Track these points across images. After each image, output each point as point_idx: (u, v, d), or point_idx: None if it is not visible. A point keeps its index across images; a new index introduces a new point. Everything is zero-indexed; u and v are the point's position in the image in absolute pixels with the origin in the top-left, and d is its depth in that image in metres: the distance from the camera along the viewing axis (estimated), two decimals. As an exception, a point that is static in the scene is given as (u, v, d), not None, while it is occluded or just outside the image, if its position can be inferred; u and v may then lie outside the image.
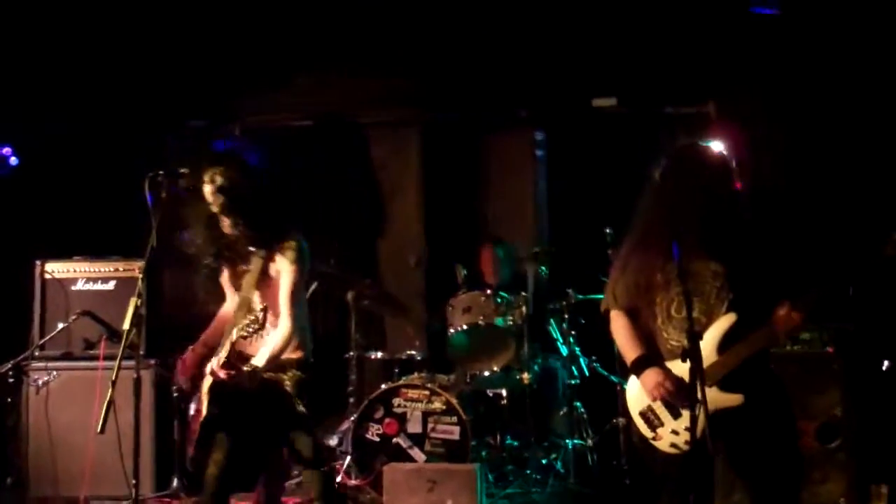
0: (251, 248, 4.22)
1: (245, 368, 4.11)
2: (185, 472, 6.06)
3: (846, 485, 5.07)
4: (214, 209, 4.20)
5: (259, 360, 4.15)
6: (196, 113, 7.38)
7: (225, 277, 4.38)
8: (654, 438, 3.67)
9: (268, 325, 4.09)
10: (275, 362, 4.19)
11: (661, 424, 3.65)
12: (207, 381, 4.21)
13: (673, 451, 3.62)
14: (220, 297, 4.45)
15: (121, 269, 6.35)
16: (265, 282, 4.22)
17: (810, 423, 5.07)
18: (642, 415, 3.69)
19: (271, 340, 4.20)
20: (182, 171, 4.17)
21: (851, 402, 5.18)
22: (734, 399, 3.53)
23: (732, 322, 3.55)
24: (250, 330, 3.98)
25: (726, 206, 3.61)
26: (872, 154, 6.42)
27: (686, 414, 3.52)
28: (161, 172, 4.09)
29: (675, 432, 3.61)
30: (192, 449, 4.21)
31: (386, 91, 7.55)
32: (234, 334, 4.05)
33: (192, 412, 4.31)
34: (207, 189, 4.15)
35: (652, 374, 3.61)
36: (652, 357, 3.66)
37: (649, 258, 3.66)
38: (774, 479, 3.57)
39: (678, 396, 3.55)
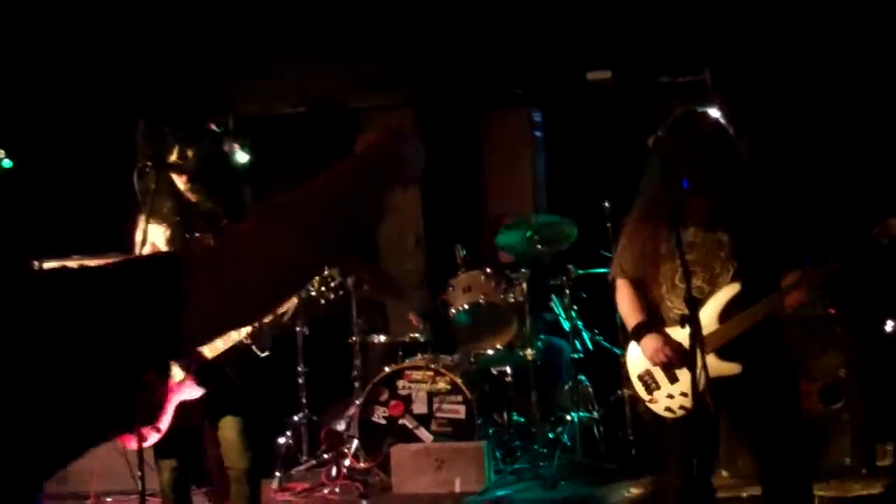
0: (212, 220, 4.06)
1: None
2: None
3: (851, 445, 5.07)
4: (181, 185, 4.10)
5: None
6: (188, 104, 7.37)
7: (164, 239, 4.13)
8: (650, 401, 3.73)
9: None
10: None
11: (658, 388, 3.71)
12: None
13: (668, 414, 3.69)
14: None
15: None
16: None
17: (813, 384, 5.07)
18: (640, 378, 3.76)
19: None
20: (172, 160, 4.14)
21: (854, 363, 5.18)
22: (732, 368, 3.56)
23: (736, 292, 3.57)
24: None
25: (728, 175, 3.62)
26: (871, 124, 6.38)
27: (682, 379, 3.60)
28: (149, 163, 4.07)
29: (670, 396, 3.68)
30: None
31: (378, 75, 7.53)
32: None
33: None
34: (176, 165, 4.04)
35: (651, 340, 3.67)
36: (652, 323, 3.71)
37: (655, 228, 3.69)
38: (778, 444, 3.58)
39: (676, 361, 3.60)
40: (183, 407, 4.03)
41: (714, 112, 3.75)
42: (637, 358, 3.76)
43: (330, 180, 1.40)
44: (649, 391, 3.72)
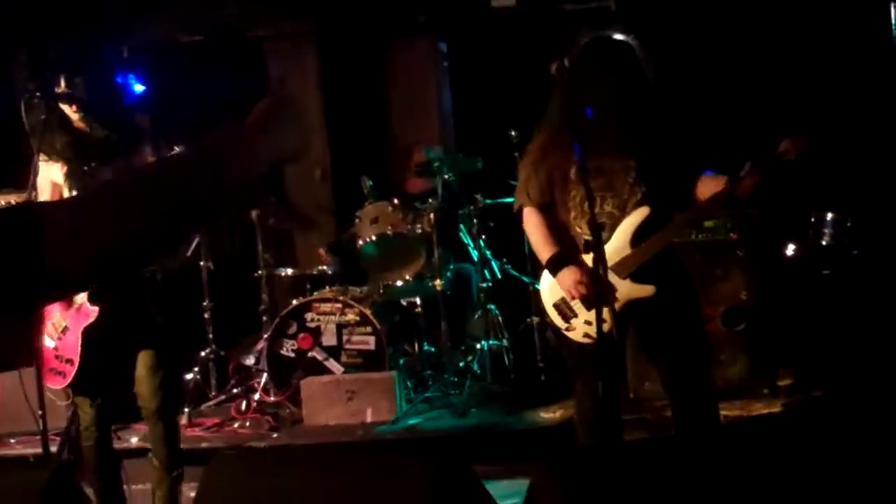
0: (106, 149, 3.91)
1: None
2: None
3: (753, 365, 5.23)
4: (72, 115, 3.91)
5: None
6: (79, 29, 7.05)
7: (62, 175, 3.95)
8: (567, 329, 3.72)
9: None
10: None
11: (575, 315, 3.70)
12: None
13: (586, 340, 3.68)
14: None
15: (13, 201, 6.09)
16: None
17: (717, 307, 5.19)
18: (556, 307, 3.74)
19: None
20: (60, 90, 3.94)
21: (756, 286, 5.31)
22: (646, 290, 3.61)
23: (646, 215, 3.59)
24: None
25: (636, 100, 3.61)
26: (772, 51, 6.46)
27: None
28: (38, 94, 3.86)
29: (588, 322, 3.64)
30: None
31: (279, 2, 7.32)
32: None
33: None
34: (65, 94, 3.84)
35: (569, 273, 3.63)
36: (567, 254, 3.68)
37: (563, 154, 3.64)
38: (685, 363, 3.66)
39: (593, 291, 3.58)
40: (96, 337, 3.91)
41: (620, 37, 3.73)
42: (551, 287, 3.74)
43: (182, 160, 1.49)
44: (566, 319, 3.71)
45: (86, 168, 3.90)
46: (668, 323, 3.66)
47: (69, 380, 3.94)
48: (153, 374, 4.00)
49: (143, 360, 4.00)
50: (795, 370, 5.36)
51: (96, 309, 3.89)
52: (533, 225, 3.79)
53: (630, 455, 3.01)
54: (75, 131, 3.94)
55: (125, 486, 4.19)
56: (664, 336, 3.69)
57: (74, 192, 3.92)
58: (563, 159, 3.67)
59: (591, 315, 3.60)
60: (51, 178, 3.93)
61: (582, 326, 3.69)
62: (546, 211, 3.75)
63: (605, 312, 3.29)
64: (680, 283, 3.74)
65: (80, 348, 3.90)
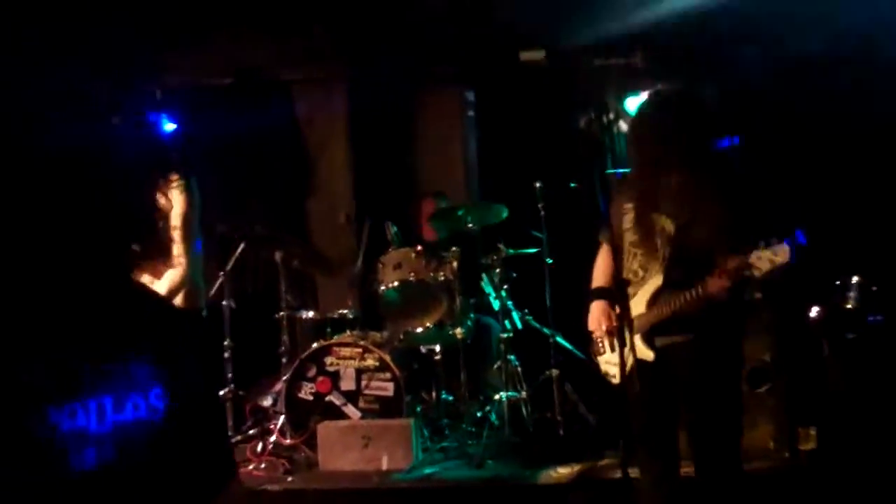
0: None
1: None
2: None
3: (775, 428, 5.16)
4: None
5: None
6: (115, 70, 7.15)
7: None
8: (599, 355, 3.90)
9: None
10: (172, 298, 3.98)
11: (602, 353, 3.86)
12: None
13: (609, 378, 3.83)
14: None
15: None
16: None
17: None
18: (593, 335, 3.91)
19: (167, 277, 3.99)
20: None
21: (780, 348, 5.26)
22: (646, 354, 3.60)
23: (657, 287, 3.59)
24: None
25: (695, 163, 3.57)
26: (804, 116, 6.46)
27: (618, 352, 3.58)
28: None
29: (608, 362, 3.82)
30: None
31: (310, 48, 7.41)
32: None
33: None
34: None
35: (597, 307, 3.82)
36: (604, 291, 3.82)
37: (622, 203, 3.73)
38: (715, 423, 3.61)
39: (610, 335, 3.76)
40: None
41: (683, 91, 3.73)
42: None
43: None
44: (598, 351, 3.88)
45: None
46: (695, 387, 3.61)
47: None
48: None
49: None
50: (818, 432, 5.29)
51: None
52: (598, 260, 3.94)
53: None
54: None
55: None
56: (689, 401, 3.65)
57: None
58: (620, 208, 3.74)
59: (611, 358, 3.75)
60: None
61: (604, 366, 3.84)
62: (612, 251, 3.71)
63: (621, 364, 3.34)
64: (716, 339, 3.61)
65: None
